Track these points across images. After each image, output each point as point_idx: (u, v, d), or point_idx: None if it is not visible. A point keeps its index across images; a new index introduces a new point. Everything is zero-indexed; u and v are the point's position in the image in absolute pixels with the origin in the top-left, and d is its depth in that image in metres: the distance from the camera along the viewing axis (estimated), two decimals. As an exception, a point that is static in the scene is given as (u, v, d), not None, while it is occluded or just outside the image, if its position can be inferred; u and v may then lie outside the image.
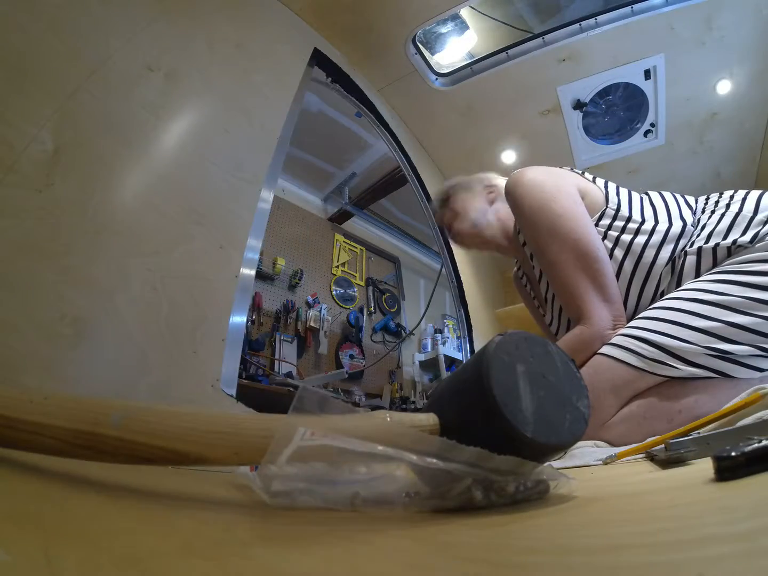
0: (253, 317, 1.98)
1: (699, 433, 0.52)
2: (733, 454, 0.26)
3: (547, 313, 1.00)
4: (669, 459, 0.46)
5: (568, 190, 0.88)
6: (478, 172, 1.13)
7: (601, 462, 0.61)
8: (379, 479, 0.32)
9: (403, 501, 0.29)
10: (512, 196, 0.87)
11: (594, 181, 0.93)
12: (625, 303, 0.83)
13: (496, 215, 1.06)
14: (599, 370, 0.75)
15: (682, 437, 0.51)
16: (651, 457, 0.52)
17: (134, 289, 0.66)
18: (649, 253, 0.81)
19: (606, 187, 0.92)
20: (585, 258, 0.82)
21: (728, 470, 0.26)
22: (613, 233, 0.85)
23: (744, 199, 0.78)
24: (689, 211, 0.84)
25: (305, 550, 0.24)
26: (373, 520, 0.29)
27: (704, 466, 0.27)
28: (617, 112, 1.90)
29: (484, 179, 1.11)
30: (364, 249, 3.50)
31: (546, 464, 0.36)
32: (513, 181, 0.88)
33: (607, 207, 0.88)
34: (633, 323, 0.75)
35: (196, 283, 0.75)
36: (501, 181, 1.09)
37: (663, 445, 0.49)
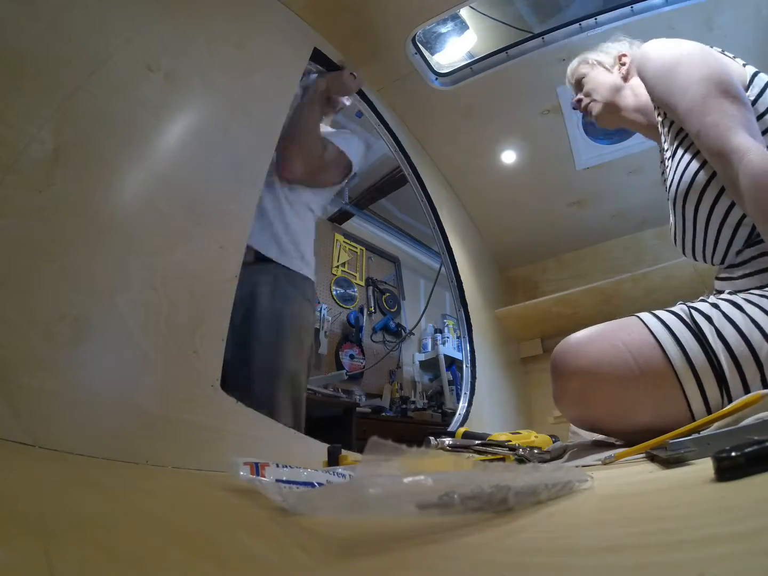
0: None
1: (699, 433, 0.52)
2: (733, 454, 0.26)
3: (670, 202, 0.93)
4: (669, 459, 0.46)
5: (702, 48, 0.85)
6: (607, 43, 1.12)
7: (600, 462, 0.61)
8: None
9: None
10: (644, 59, 0.87)
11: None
12: None
13: (632, 90, 1.04)
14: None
15: (683, 437, 0.51)
16: (651, 458, 0.52)
17: (134, 289, 0.66)
18: None
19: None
20: (728, 95, 0.76)
21: (728, 470, 0.26)
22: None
23: None
24: None
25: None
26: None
27: (704, 467, 0.27)
28: (617, 112, 1.90)
29: (613, 50, 1.09)
30: (364, 249, 3.50)
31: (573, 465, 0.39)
32: (644, 50, 0.88)
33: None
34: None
35: (196, 283, 0.75)
36: (634, 48, 1.07)
37: (663, 446, 0.49)
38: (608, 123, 1.10)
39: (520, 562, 0.22)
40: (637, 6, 1.55)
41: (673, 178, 0.88)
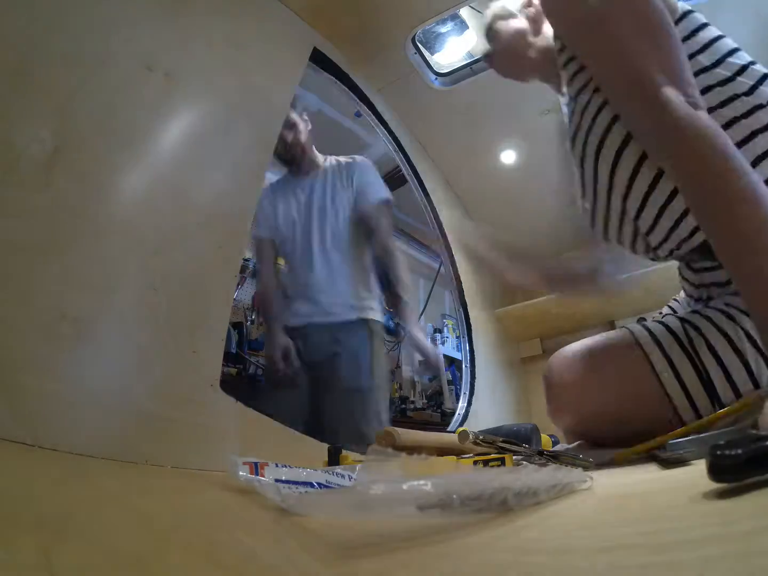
0: (253, 317, 1.97)
1: (699, 434, 0.52)
2: (732, 453, 0.26)
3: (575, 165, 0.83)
4: (668, 459, 0.46)
5: None
6: None
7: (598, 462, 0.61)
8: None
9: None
10: None
11: None
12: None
13: (542, 35, 0.94)
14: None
15: (681, 438, 0.51)
16: (653, 458, 0.52)
17: (134, 288, 0.66)
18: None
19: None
20: (651, 31, 0.63)
21: (727, 470, 0.26)
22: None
23: None
24: None
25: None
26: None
27: (703, 467, 0.27)
28: (617, 112, 1.90)
29: None
30: (363, 249, 3.49)
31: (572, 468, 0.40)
32: None
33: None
34: None
35: (196, 283, 0.75)
36: None
37: (663, 446, 0.49)
38: (511, 70, 1.02)
39: (520, 562, 0.22)
40: (636, 6, 1.54)
41: (578, 130, 0.76)
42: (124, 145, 0.70)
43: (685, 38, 0.69)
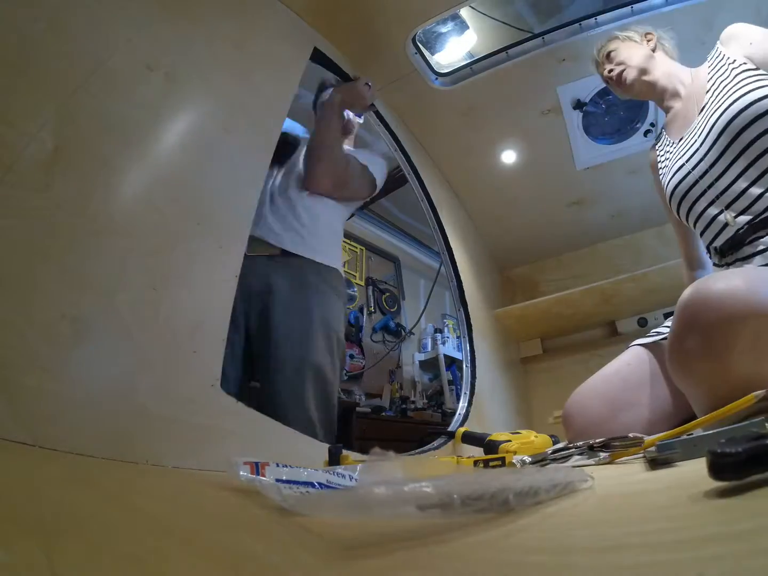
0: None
1: (689, 434, 0.52)
2: (732, 452, 0.26)
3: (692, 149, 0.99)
4: (657, 460, 0.46)
5: None
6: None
7: (594, 462, 0.61)
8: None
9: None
10: (736, 29, 1.07)
11: None
12: None
13: (662, 60, 1.14)
14: None
15: (672, 439, 0.51)
16: (651, 459, 0.52)
17: (134, 288, 0.66)
18: None
19: None
20: None
21: (728, 469, 0.26)
22: None
23: None
24: None
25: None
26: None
27: (702, 467, 0.27)
28: (617, 111, 1.90)
29: (638, 29, 1.19)
30: (364, 249, 3.50)
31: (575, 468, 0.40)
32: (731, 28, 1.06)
33: None
34: None
35: (196, 283, 0.75)
36: (663, 31, 1.19)
37: (654, 447, 0.49)
38: (638, 90, 1.14)
39: (521, 562, 0.22)
40: (636, 6, 1.55)
41: (728, 106, 0.91)
42: (124, 145, 0.70)
43: None
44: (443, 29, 1.69)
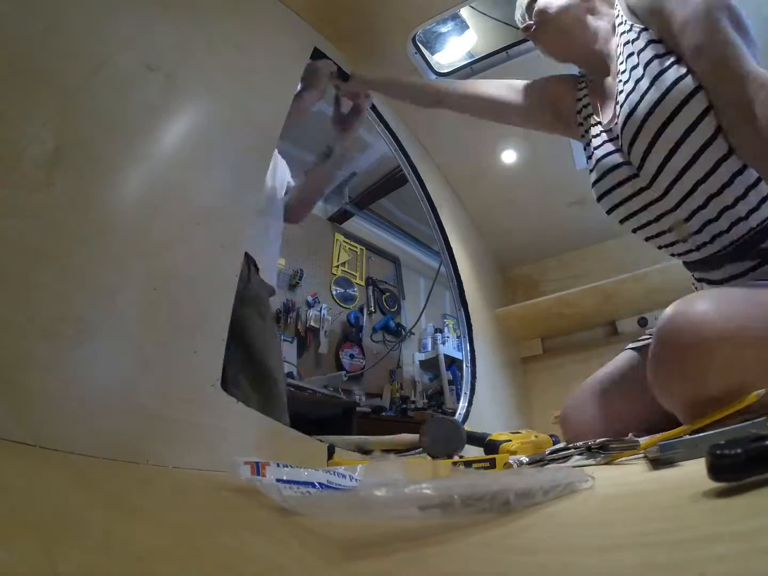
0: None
1: (691, 435, 0.52)
2: (732, 452, 0.26)
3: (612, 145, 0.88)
4: (659, 460, 0.46)
5: None
6: None
7: (594, 462, 0.61)
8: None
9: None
10: None
11: None
12: None
13: (591, 14, 0.94)
14: None
15: (673, 439, 0.51)
16: (653, 459, 0.52)
17: (134, 289, 0.66)
18: None
19: None
20: (745, 31, 0.73)
21: (727, 469, 0.26)
22: None
23: None
24: None
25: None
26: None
27: (701, 467, 0.27)
28: (617, 111, 1.90)
29: None
30: (364, 249, 3.50)
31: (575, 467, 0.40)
32: None
33: None
34: None
35: (196, 282, 0.75)
36: None
37: (656, 446, 0.49)
38: (557, 46, 1.00)
39: (522, 562, 0.22)
40: (637, 6, 1.54)
41: (646, 97, 0.79)
42: (125, 145, 0.70)
43: None
44: (443, 29, 1.69)
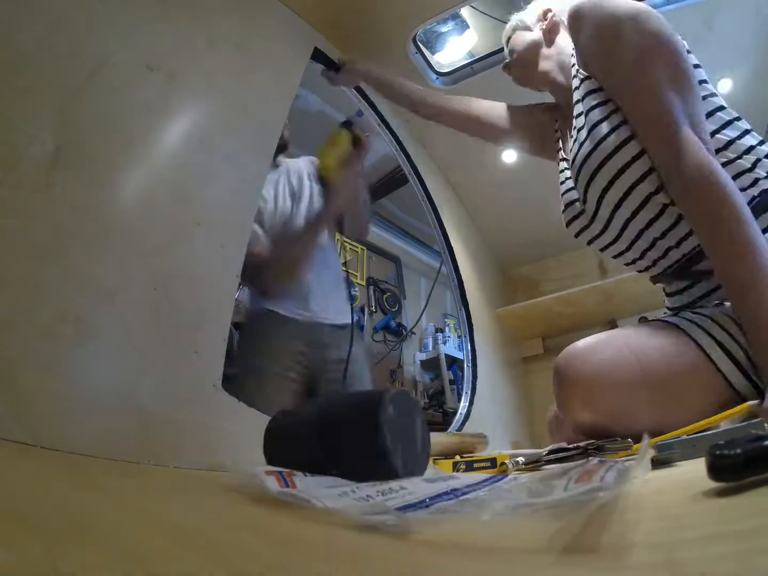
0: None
1: (687, 435, 0.53)
2: (731, 453, 0.26)
3: (569, 185, 0.94)
4: (656, 460, 0.46)
5: (648, 10, 0.78)
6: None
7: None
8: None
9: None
10: (576, 13, 0.82)
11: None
12: None
13: (555, 47, 1.00)
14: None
15: (672, 439, 0.51)
16: (650, 459, 0.52)
17: (135, 289, 0.66)
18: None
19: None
20: (679, 79, 0.74)
21: (727, 470, 0.26)
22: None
23: None
24: None
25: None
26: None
27: (699, 467, 0.27)
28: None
29: (539, 7, 1.04)
30: (364, 249, 3.49)
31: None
32: (576, 4, 0.82)
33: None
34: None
35: (197, 283, 0.75)
36: (557, 4, 1.01)
37: (654, 447, 0.49)
38: (525, 80, 1.07)
39: (525, 562, 0.22)
40: (637, 5, 1.54)
41: (589, 158, 0.83)
42: (125, 145, 0.70)
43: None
44: (443, 29, 1.69)
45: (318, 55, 1.31)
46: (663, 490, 0.38)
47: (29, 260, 0.55)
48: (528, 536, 0.25)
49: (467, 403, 1.69)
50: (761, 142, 0.79)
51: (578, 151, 0.87)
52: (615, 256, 0.96)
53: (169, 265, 0.71)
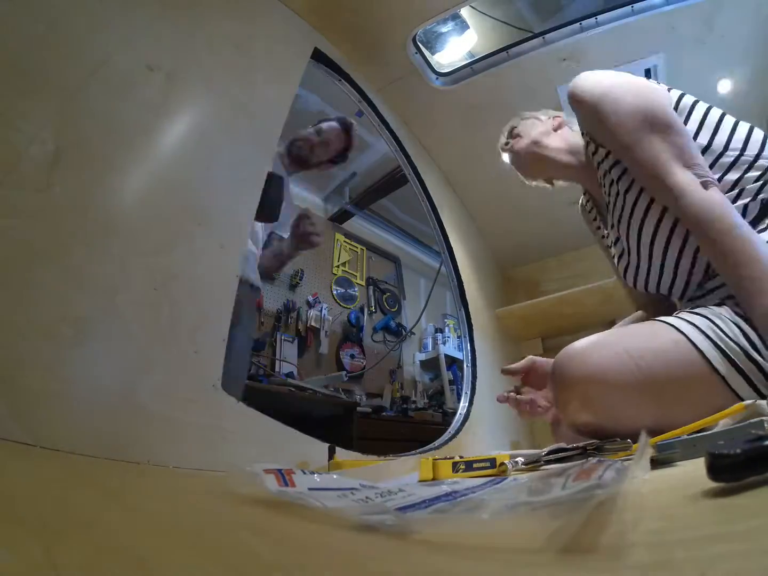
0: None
1: (687, 435, 0.52)
2: (731, 453, 0.26)
3: (613, 236, 0.99)
4: (656, 460, 0.46)
5: (626, 77, 0.88)
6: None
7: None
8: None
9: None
10: (576, 90, 0.88)
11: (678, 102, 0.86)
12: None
13: (562, 136, 1.08)
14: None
15: (671, 439, 0.51)
16: (650, 459, 0.52)
17: (135, 289, 0.66)
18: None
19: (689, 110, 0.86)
20: (657, 125, 0.80)
21: (726, 470, 0.26)
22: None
23: None
24: None
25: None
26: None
27: (699, 467, 0.27)
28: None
29: (549, 111, 1.16)
30: (364, 249, 3.50)
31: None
32: (575, 81, 0.89)
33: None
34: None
35: (196, 283, 0.75)
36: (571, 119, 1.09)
37: (653, 446, 0.49)
38: (533, 166, 1.12)
39: (524, 562, 0.22)
40: (637, 5, 1.54)
41: (623, 210, 0.91)
42: (125, 145, 0.70)
43: (684, 121, 0.83)
44: (443, 29, 1.70)
45: (318, 55, 1.31)
46: (662, 489, 0.38)
47: (30, 260, 0.55)
48: (527, 536, 0.25)
49: (467, 404, 1.69)
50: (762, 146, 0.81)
51: (625, 216, 0.92)
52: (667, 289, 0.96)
53: (169, 265, 0.71)
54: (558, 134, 1.09)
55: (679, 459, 0.46)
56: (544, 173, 1.14)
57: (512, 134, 1.16)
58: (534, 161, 1.10)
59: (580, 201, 1.20)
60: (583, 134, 1.00)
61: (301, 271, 2.86)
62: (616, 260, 1.02)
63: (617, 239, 0.98)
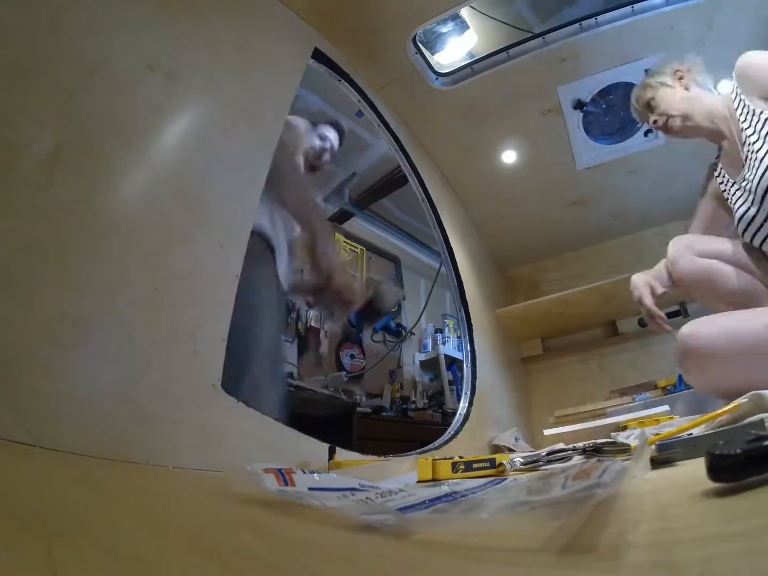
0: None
1: (690, 434, 0.53)
2: (731, 453, 0.26)
3: (748, 202, 1.06)
4: (657, 459, 0.46)
5: None
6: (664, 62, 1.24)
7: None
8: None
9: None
10: (753, 59, 1.02)
11: None
12: None
13: (698, 99, 1.17)
14: None
15: (672, 439, 0.51)
16: (651, 459, 0.52)
17: (135, 288, 0.66)
18: None
19: None
20: None
21: (726, 470, 0.26)
22: None
23: None
24: None
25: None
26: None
27: (699, 467, 0.27)
28: (618, 111, 1.90)
29: (666, 68, 1.22)
30: (364, 249, 3.49)
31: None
32: (746, 56, 1.03)
33: None
34: None
35: (196, 283, 0.75)
36: (689, 60, 1.21)
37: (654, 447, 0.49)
38: (686, 133, 1.19)
39: (524, 562, 0.22)
40: (637, 6, 1.54)
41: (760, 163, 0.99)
42: (124, 145, 0.70)
43: None
44: (443, 29, 1.70)
45: (318, 55, 1.31)
46: (662, 489, 0.38)
47: (29, 260, 0.55)
48: (526, 536, 0.25)
49: (467, 404, 1.69)
50: None
51: (759, 168, 1.00)
52: None
53: (168, 265, 0.71)
54: (693, 98, 1.16)
55: (679, 459, 0.46)
56: (691, 135, 1.20)
57: (651, 107, 1.21)
58: (686, 130, 1.18)
59: (709, 171, 1.27)
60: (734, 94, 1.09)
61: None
62: (739, 215, 1.10)
63: (747, 193, 1.06)
